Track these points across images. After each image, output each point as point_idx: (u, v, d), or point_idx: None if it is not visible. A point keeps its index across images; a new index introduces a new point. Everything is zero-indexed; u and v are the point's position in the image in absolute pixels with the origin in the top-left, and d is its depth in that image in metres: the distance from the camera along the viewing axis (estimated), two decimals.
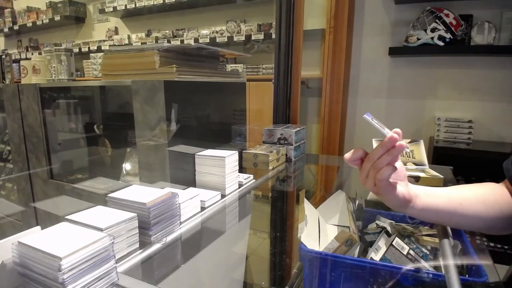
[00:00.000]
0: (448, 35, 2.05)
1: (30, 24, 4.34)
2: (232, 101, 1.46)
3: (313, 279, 0.65)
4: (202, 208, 0.91)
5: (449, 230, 0.68)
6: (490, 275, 0.56)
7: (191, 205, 0.86)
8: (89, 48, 3.97)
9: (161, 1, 3.20)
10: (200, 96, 1.20)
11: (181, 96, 1.09)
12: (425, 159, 1.10)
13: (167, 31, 3.46)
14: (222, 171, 1.02)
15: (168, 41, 3.40)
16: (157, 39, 3.48)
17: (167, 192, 0.76)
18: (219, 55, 1.41)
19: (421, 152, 1.11)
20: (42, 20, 4.21)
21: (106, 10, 3.60)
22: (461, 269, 0.63)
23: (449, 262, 0.55)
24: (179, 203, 0.79)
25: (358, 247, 0.73)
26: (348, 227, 0.79)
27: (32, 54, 4.40)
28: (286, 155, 1.46)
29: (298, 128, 1.51)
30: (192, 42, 3.21)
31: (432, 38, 2.08)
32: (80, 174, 1.67)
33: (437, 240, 0.67)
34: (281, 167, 1.38)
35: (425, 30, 2.10)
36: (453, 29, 2.04)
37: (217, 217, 0.93)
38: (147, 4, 3.31)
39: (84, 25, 4.27)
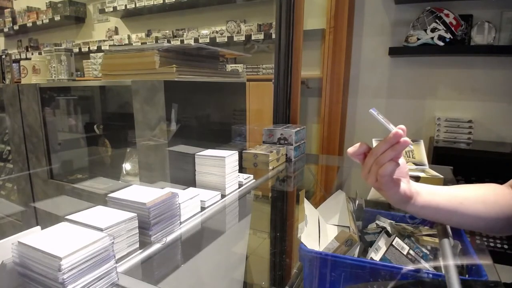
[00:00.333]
0: (448, 35, 2.05)
1: (30, 24, 4.34)
2: (232, 101, 1.46)
3: (313, 279, 0.65)
4: (202, 208, 0.91)
5: (449, 230, 0.68)
6: (490, 275, 0.56)
7: (191, 205, 0.86)
8: (89, 48, 3.97)
9: (161, 1, 3.20)
10: (200, 96, 1.20)
11: (181, 96, 1.09)
12: (425, 159, 1.10)
13: (167, 31, 3.46)
14: (222, 171, 1.02)
15: (168, 41, 3.40)
16: (157, 39, 3.48)
17: (167, 192, 0.76)
18: (219, 55, 1.41)
19: (421, 152, 1.11)
20: (42, 20, 4.21)
21: (106, 10, 3.60)
22: (461, 269, 0.63)
23: (449, 262, 0.55)
24: (179, 203, 0.79)
25: (358, 247, 0.73)
26: (348, 227, 0.79)
27: (32, 54, 4.40)
28: (286, 155, 1.46)
29: (298, 128, 1.51)
30: (192, 42, 3.21)
31: (432, 38, 2.08)
32: (80, 174, 1.67)
33: (437, 240, 0.67)
34: (281, 167, 1.38)
35: (425, 30, 2.10)
36: (453, 29, 2.04)
37: (217, 217, 0.93)
38: (147, 4, 3.31)
39: (84, 25, 4.27)
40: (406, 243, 0.70)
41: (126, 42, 3.71)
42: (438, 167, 1.19)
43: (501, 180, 0.71)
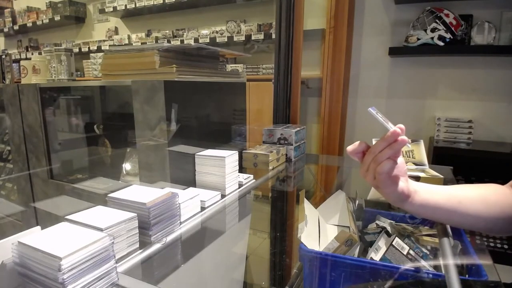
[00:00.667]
0: (448, 35, 2.05)
1: (30, 24, 4.34)
2: (232, 101, 1.46)
3: (313, 279, 0.65)
4: (202, 208, 0.91)
5: (449, 230, 0.68)
6: (490, 275, 0.56)
7: (191, 205, 0.86)
8: (89, 48, 3.97)
9: (161, 1, 3.20)
10: (200, 96, 1.20)
11: (181, 96, 1.09)
12: (425, 159, 1.10)
13: (167, 31, 3.46)
14: (222, 171, 1.02)
15: (168, 41, 3.40)
16: (157, 39, 3.48)
17: (167, 192, 0.76)
18: (219, 55, 1.41)
19: (421, 152, 1.11)
20: (42, 20, 4.21)
21: (106, 10, 3.60)
22: (461, 269, 0.63)
23: (449, 262, 0.55)
24: (179, 203, 0.79)
25: (358, 247, 0.73)
26: (348, 227, 0.79)
27: (32, 54, 4.40)
28: (286, 155, 1.46)
29: (298, 128, 1.51)
30: (192, 42, 3.21)
31: (432, 38, 2.08)
32: (80, 174, 1.67)
33: (437, 240, 0.67)
34: (281, 167, 1.38)
35: (425, 30, 2.10)
36: (453, 29, 2.04)
37: (217, 217, 0.93)
38: (147, 4, 3.31)
39: (84, 25, 4.27)
40: (406, 243, 0.70)
41: (126, 42, 3.71)
42: (438, 167, 1.19)
43: (501, 180, 0.71)
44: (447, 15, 2.04)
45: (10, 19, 4.56)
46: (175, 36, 3.41)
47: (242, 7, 3.08)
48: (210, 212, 0.92)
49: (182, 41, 3.30)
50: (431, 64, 2.30)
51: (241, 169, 1.27)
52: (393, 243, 0.69)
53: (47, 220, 1.58)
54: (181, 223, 0.81)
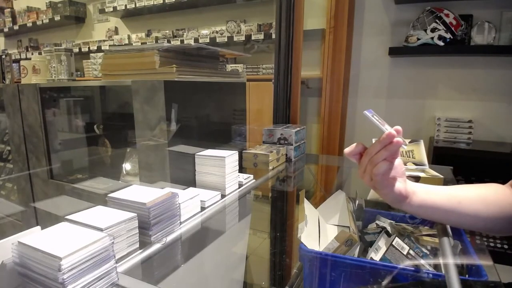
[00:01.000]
0: (448, 35, 2.05)
1: (30, 24, 4.34)
2: (232, 101, 1.46)
3: (313, 279, 0.65)
4: (202, 208, 0.91)
5: (449, 230, 0.68)
6: (490, 275, 0.56)
7: (191, 205, 0.86)
8: (89, 48, 3.97)
9: (161, 1, 3.20)
10: (200, 96, 1.20)
11: (181, 96, 1.09)
12: (425, 159, 1.10)
13: (167, 31, 3.46)
14: (222, 171, 1.02)
15: (168, 41, 3.40)
16: (157, 39, 3.48)
17: (167, 192, 0.76)
18: (219, 55, 1.41)
19: (421, 152, 1.11)
20: (42, 20, 4.21)
21: (106, 10, 3.60)
22: (461, 269, 0.63)
23: (449, 262, 0.55)
24: (179, 203, 0.79)
25: (358, 247, 0.73)
26: (348, 227, 0.79)
27: (32, 54, 4.40)
28: (286, 155, 1.46)
29: (298, 128, 1.51)
30: (192, 42, 3.21)
31: (432, 38, 2.08)
32: (80, 174, 1.67)
33: (437, 240, 0.67)
34: (281, 167, 1.38)
35: (425, 30, 2.10)
36: (453, 29, 2.04)
37: (217, 217, 0.93)
38: (147, 4, 3.31)
39: (84, 25, 4.27)
40: (406, 243, 0.70)
41: (126, 42, 3.71)
42: (438, 167, 1.19)
43: (501, 180, 0.71)
44: (447, 15, 2.04)
45: (10, 19, 4.56)
46: (175, 36, 3.41)
47: (242, 7, 3.08)
48: (210, 212, 0.92)
49: (182, 41, 3.30)
50: (431, 64, 2.30)
51: (241, 169, 1.27)
52: (393, 243, 0.69)
53: (47, 220, 1.58)
54: (181, 223, 0.81)
